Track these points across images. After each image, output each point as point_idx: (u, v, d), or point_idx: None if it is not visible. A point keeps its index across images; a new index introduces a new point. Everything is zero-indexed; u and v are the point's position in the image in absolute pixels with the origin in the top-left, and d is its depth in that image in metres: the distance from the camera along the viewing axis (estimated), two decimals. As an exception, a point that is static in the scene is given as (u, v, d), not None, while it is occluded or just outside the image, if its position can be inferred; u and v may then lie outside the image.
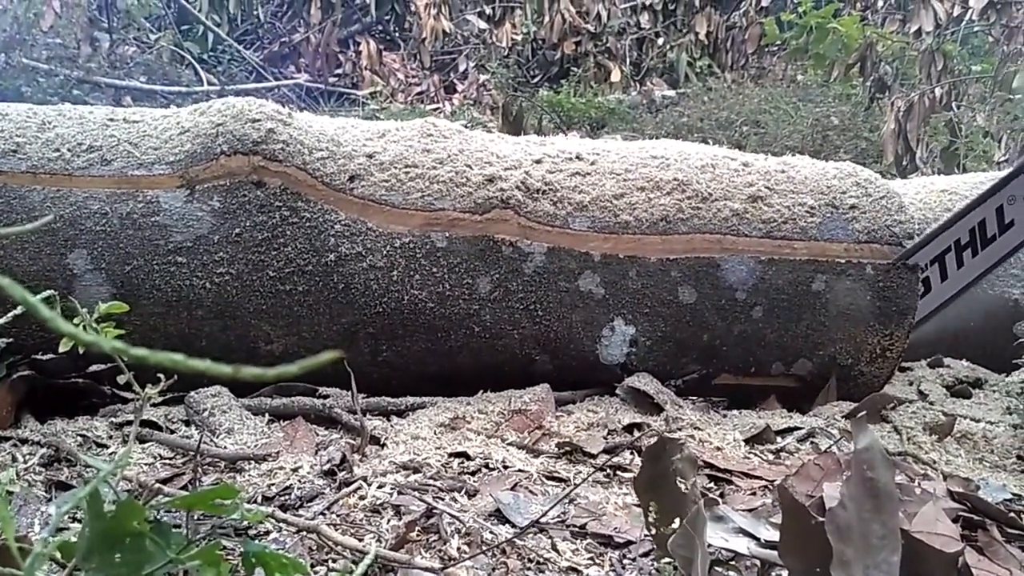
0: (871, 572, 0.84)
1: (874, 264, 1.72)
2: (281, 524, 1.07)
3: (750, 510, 1.19)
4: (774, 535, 1.03)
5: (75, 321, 0.81)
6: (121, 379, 0.81)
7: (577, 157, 1.74)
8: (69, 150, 1.56)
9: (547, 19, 7.09)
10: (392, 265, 1.61)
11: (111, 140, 1.58)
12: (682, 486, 0.95)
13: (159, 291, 1.56)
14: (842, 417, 1.66)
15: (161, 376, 0.82)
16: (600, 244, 1.67)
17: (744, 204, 1.72)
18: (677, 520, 0.93)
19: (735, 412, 1.73)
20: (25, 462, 1.30)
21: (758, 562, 1.01)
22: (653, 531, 0.99)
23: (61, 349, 0.82)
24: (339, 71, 7.10)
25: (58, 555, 0.69)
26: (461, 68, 7.25)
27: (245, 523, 1.08)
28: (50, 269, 1.53)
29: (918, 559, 0.88)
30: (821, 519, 0.87)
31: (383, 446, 1.44)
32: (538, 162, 1.71)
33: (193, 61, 6.38)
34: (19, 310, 0.74)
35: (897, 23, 6.39)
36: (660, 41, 7.41)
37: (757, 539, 1.04)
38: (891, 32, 5.92)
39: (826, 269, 1.71)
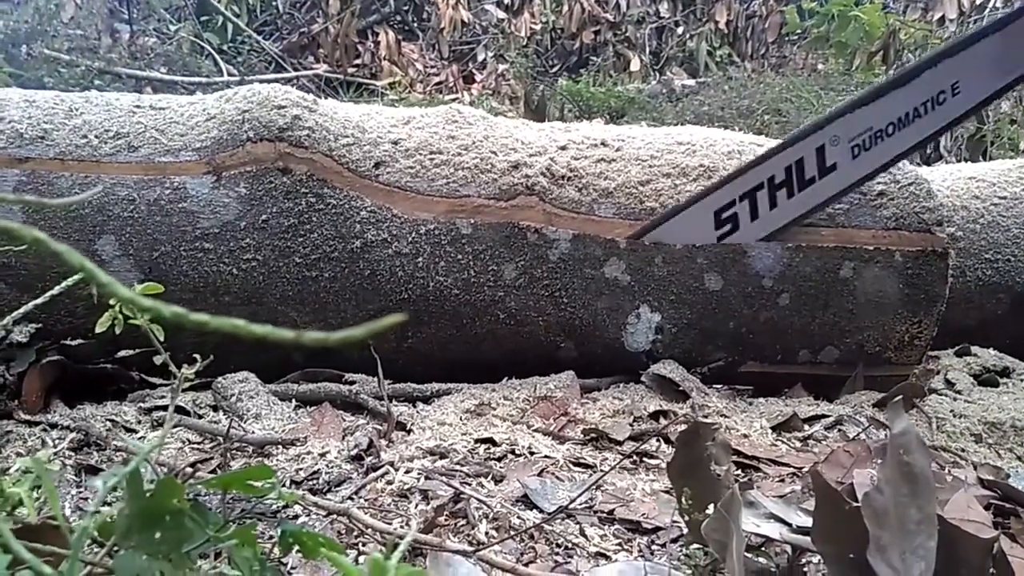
0: (907, 557, 0.83)
1: (903, 251, 1.70)
2: (311, 507, 1.07)
3: (779, 497, 1.18)
4: (805, 521, 1.02)
5: (111, 301, 0.82)
6: (157, 360, 0.81)
7: (602, 143, 1.73)
8: (96, 136, 1.57)
9: (566, 8, 7.06)
10: (417, 252, 1.61)
11: (138, 127, 1.59)
12: (716, 472, 0.95)
13: (186, 277, 1.56)
14: (871, 406, 1.65)
15: (197, 357, 0.82)
16: (626, 231, 1.66)
17: (771, 190, 1.70)
18: (711, 506, 0.92)
19: (761, 400, 1.72)
20: (55, 446, 1.31)
21: (788, 548, 1.01)
22: (686, 517, 0.98)
23: (98, 329, 0.82)
24: (358, 61, 7.08)
25: (95, 534, 0.70)
26: (480, 58, 7.22)
27: (274, 507, 1.08)
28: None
29: (953, 545, 0.87)
30: (855, 504, 0.86)
31: (409, 432, 1.44)
32: (563, 148, 1.71)
33: (213, 52, 6.39)
34: (56, 291, 0.74)
35: (919, 11, 6.32)
36: (680, 30, 7.36)
37: (789, 525, 1.03)
38: (913, 20, 5.86)
39: (854, 256, 1.69)
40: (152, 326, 0.79)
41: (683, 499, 0.96)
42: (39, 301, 0.80)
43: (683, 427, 0.99)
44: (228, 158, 1.55)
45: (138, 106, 1.63)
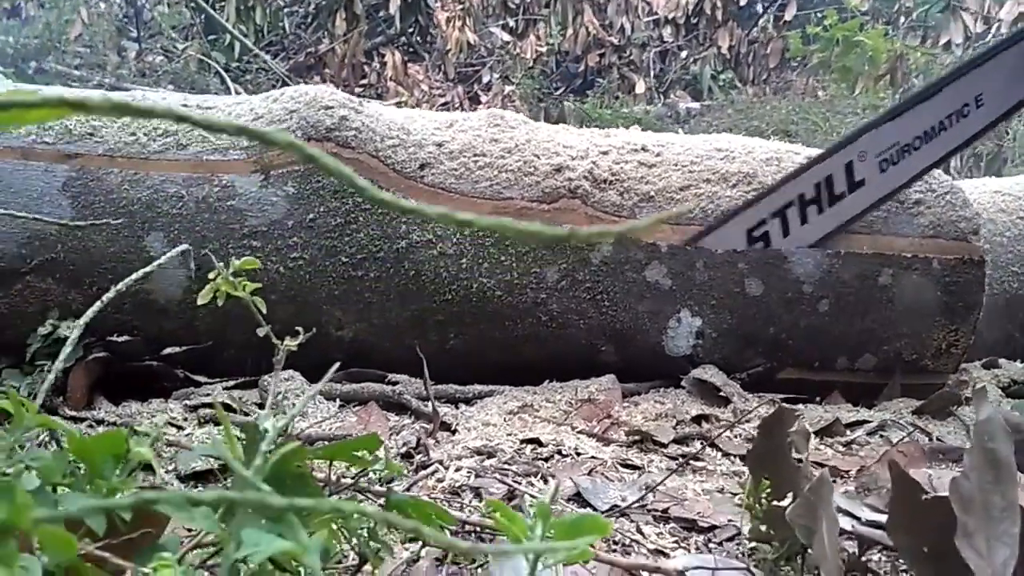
0: (993, 543, 0.83)
1: (940, 259, 1.71)
2: (375, 499, 1.07)
3: (842, 493, 1.18)
4: (872, 516, 1.02)
5: (211, 275, 0.82)
6: (260, 332, 0.81)
7: (643, 148, 1.74)
8: (145, 134, 1.57)
9: (571, 31, 7.12)
10: (461, 253, 1.61)
11: (186, 125, 1.59)
12: (796, 459, 0.95)
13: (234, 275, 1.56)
14: (911, 412, 1.65)
15: (290, 335, 0.82)
16: (667, 235, 1.66)
17: (810, 197, 1.71)
18: (791, 494, 0.92)
19: (800, 406, 1.72)
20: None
21: (854, 542, 1.01)
22: (754, 508, 0.98)
23: (200, 301, 0.81)
24: (364, 81, 7.12)
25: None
26: (485, 80, 7.27)
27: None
28: (127, 251, 1.53)
29: (1031, 535, 0.87)
30: (937, 494, 0.86)
31: (454, 432, 1.44)
32: (605, 153, 1.72)
33: (220, 70, 6.41)
34: (114, 292, 0.74)
35: (919, 38, 6.40)
36: (683, 54, 7.44)
37: (858, 518, 1.03)
38: (916, 46, 5.93)
39: (892, 263, 1.70)
40: (254, 299, 0.79)
41: (759, 487, 0.96)
42: (108, 296, 0.80)
43: (767, 415, 0.98)
44: (276, 157, 1.56)
45: (185, 105, 1.64)
